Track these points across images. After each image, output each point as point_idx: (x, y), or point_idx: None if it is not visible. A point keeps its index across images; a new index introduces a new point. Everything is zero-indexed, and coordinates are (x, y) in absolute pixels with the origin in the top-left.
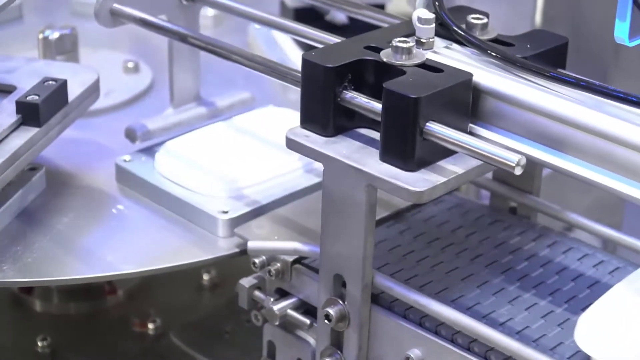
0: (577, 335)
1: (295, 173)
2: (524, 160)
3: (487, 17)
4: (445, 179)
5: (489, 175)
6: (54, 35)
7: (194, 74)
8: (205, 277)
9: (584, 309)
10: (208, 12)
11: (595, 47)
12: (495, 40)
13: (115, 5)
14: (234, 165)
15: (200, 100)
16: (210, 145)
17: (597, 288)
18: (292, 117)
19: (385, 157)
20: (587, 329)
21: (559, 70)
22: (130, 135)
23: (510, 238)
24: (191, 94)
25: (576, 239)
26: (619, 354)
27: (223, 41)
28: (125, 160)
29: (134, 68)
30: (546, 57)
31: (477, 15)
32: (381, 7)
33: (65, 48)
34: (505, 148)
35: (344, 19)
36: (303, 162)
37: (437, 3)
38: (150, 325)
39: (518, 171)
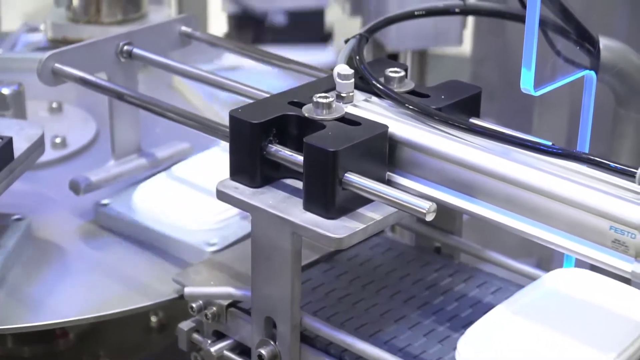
0: (459, 355)
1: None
2: (434, 207)
3: (405, 70)
4: (364, 226)
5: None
6: (2, 91)
7: (134, 127)
8: (154, 318)
9: None
10: None
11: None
12: (412, 92)
13: (57, 65)
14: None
15: (141, 152)
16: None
17: None
18: None
19: (308, 206)
20: (468, 347)
21: (470, 121)
22: (74, 187)
23: (428, 275)
24: (132, 146)
25: (491, 274)
26: None
27: (158, 99)
28: None
29: (58, 108)
30: (460, 106)
31: (395, 69)
32: (319, 13)
33: (12, 103)
34: (419, 195)
35: (282, 21)
36: None
37: (357, 57)
38: None
39: (429, 217)
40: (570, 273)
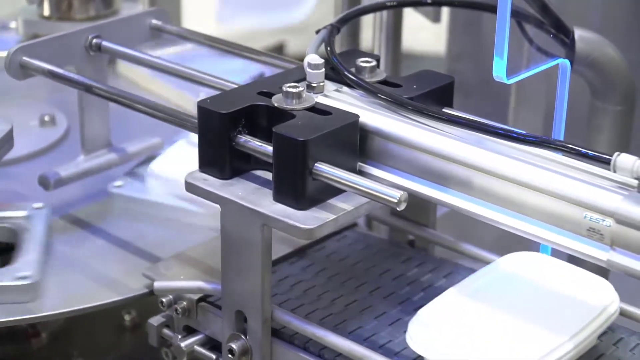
0: (409, 336)
1: None
2: (405, 197)
3: (377, 60)
4: (334, 216)
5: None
6: None
7: (104, 121)
8: (127, 317)
9: None
10: None
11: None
12: (384, 82)
13: (25, 59)
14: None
15: (111, 147)
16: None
17: None
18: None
19: (278, 197)
20: (419, 329)
21: (443, 110)
22: (44, 182)
23: (395, 266)
24: (102, 141)
25: (460, 264)
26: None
27: (126, 91)
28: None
29: (51, 121)
30: (433, 96)
31: (366, 59)
32: None
33: None
34: (391, 185)
35: None
36: None
37: (328, 48)
38: None
39: (401, 207)
40: (525, 256)
